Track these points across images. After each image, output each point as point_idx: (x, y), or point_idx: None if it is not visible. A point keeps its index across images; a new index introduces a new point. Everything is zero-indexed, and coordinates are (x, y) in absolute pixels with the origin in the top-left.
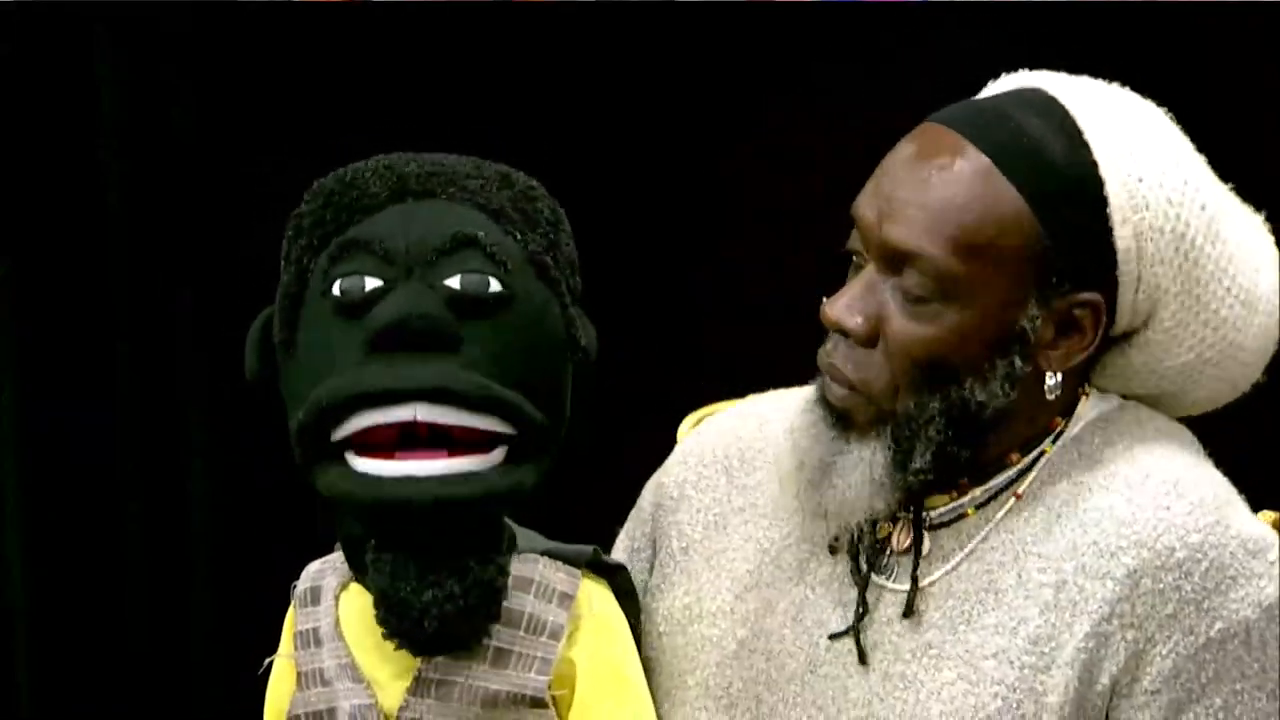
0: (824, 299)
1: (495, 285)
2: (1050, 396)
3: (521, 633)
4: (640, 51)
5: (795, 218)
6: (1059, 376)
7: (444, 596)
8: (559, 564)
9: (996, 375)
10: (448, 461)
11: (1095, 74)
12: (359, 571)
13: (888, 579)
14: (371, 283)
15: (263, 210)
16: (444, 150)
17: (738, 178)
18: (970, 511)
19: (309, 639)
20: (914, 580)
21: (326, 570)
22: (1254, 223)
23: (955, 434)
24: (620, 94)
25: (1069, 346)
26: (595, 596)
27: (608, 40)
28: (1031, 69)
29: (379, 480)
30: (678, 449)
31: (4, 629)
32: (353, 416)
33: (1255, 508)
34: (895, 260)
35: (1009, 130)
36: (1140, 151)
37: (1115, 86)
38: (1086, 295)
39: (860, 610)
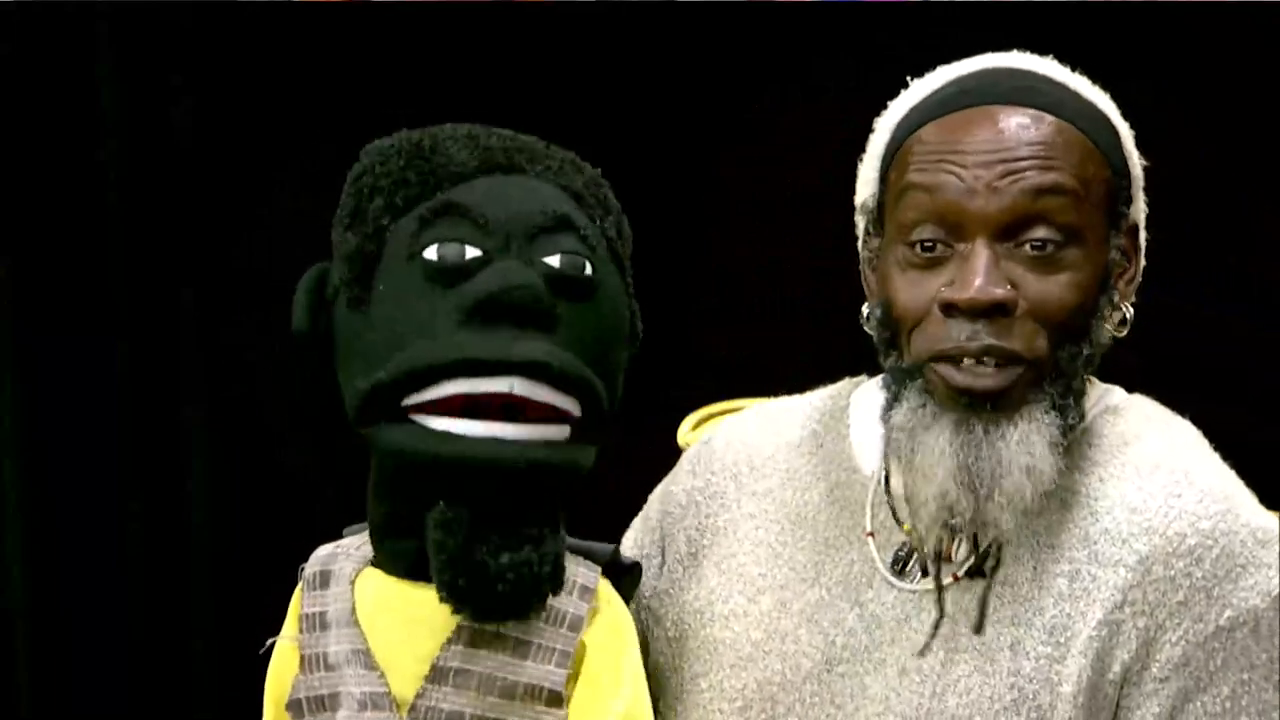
0: (942, 290)
1: (589, 269)
2: (1124, 332)
3: (544, 624)
4: (639, 51)
5: (795, 218)
6: (1130, 309)
7: (521, 561)
8: (579, 558)
9: (1103, 315)
10: (527, 428)
11: (1095, 74)
12: (390, 544)
13: (910, 582)
14: (471, 251)
15: (263, 210)
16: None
17: (737, 178)
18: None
19: (315, 623)
20: (986, 574)
21: (339, 555)
22: None
23: (1084, 380)
24: (620, 94)
25: (1125, 276)
26: (611, 594)
27: (607, 40)
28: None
29: (465, 439)
30: (685, 457)
31: (4, 629)
32: (443, 383)
33: None
34: (1020, 220)
35: (1038, 92)
36: (1096, 91)
37: (1026, 53)
38: (1132, 218)
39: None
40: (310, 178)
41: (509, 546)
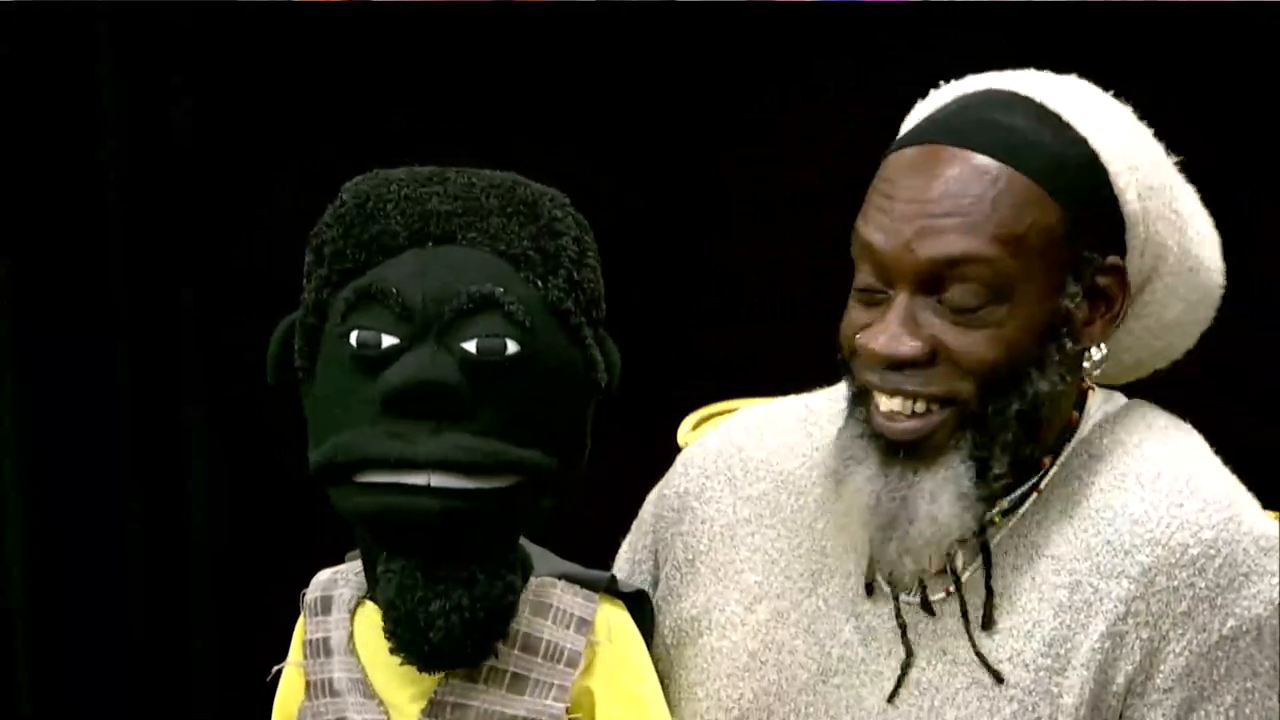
0: (856, 338)
1: (513, 347)
2: (1096, 373)
3: (539, 659)
4: (639, 51)
5: (794, 218)
6: (1104, 350)
7: (450, 607)
8: (576, 588)
9: (1052, 362)
10: (462, 480)
11: (1095, 74)
12: (374, 587)
13: (910, 595)
14: (388, 340)
15: (263, 210)
16: (444, 149)
17: (737, 178)
18: (996, 519)
19: (319, 649)
20: (989, 590)
21: (339, 581)
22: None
23: (1026, 432)
24: (620, 94)
25: (1102, 318)
26: (613, 621)
27: (606, 40)
28: (1031, 69)
29: (384, 494)
30: (678, 460)
31: (4, 629)
32: (366, 472)
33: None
34: (936, 278)
35: (998, 130)
36: (1110, 120)
37: (1048, 73)
38: (1110, 260)
39: (907, 657)
40: (310, 178)
41: (438, 594)
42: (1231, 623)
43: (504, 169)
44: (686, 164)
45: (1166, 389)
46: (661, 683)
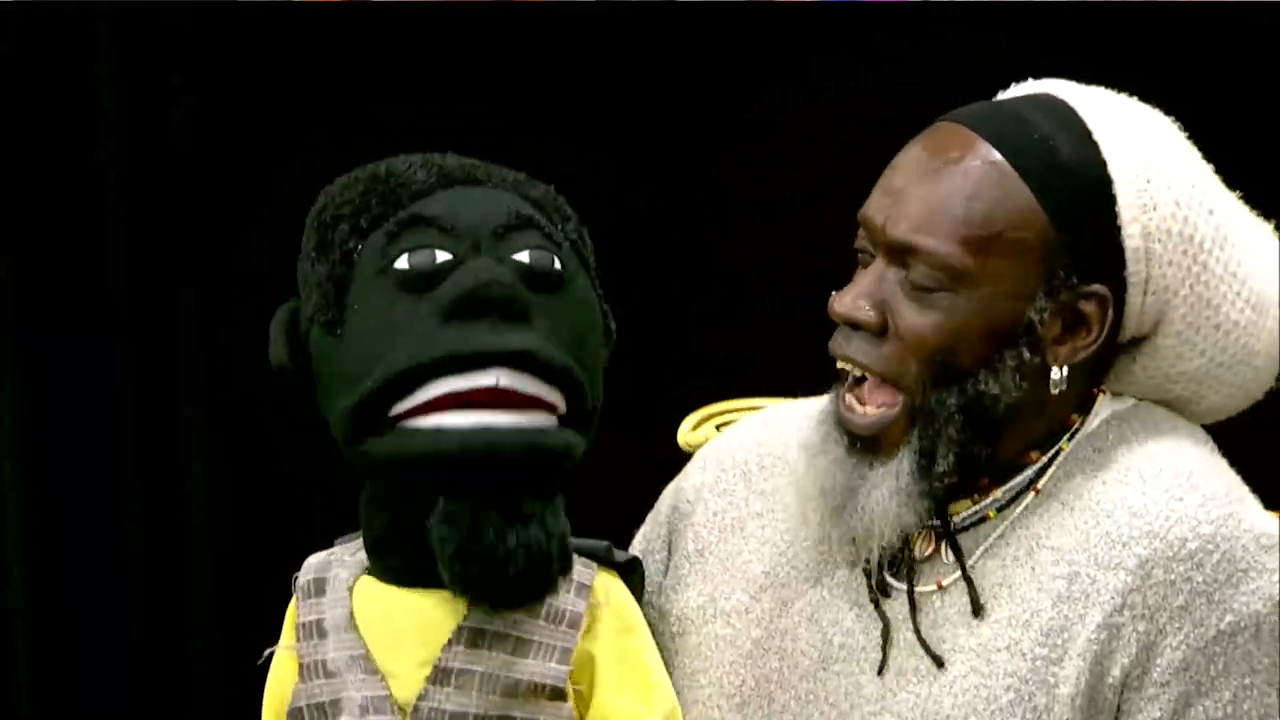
0: (833, 293)
1: (558, 263)
2: (1055, 391)
3: (542, 622)
4: (639, 51)
5: (794, 218)
6: (1064, 371)
7: (529, 540)
8: (575, 555)
9: (1006, 367)
10: (515, 416)
11: (1095, 74)
12: (391, 553)
13: (908, 583)
14: (441, 255)
15: (263, 210)
16: (444, 149)
17: (737, 178)
18: (992, 514)
19: (312, 630)
20: (969, 580)
21: (333, 563)
22: (1263, 230)
23: (974, 432)
24: (620, 94)
25: (1074, 341)
26: (611, 586)
27: (607, 40)
28: (1032, 69)
29: (458, 432)
30: (698, 454)
31: (4, 629)
32: (429, 384)
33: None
34: (901, 253)
35: (1019, 127)
36: (1148, 155)
37: (1125, 96)
38: (1093, 288)
39: (887, 624)
40: (310, 178)
41: (514, 529)
42: (1229, 618)
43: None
44: (686, 164)
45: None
46: (668, 670)
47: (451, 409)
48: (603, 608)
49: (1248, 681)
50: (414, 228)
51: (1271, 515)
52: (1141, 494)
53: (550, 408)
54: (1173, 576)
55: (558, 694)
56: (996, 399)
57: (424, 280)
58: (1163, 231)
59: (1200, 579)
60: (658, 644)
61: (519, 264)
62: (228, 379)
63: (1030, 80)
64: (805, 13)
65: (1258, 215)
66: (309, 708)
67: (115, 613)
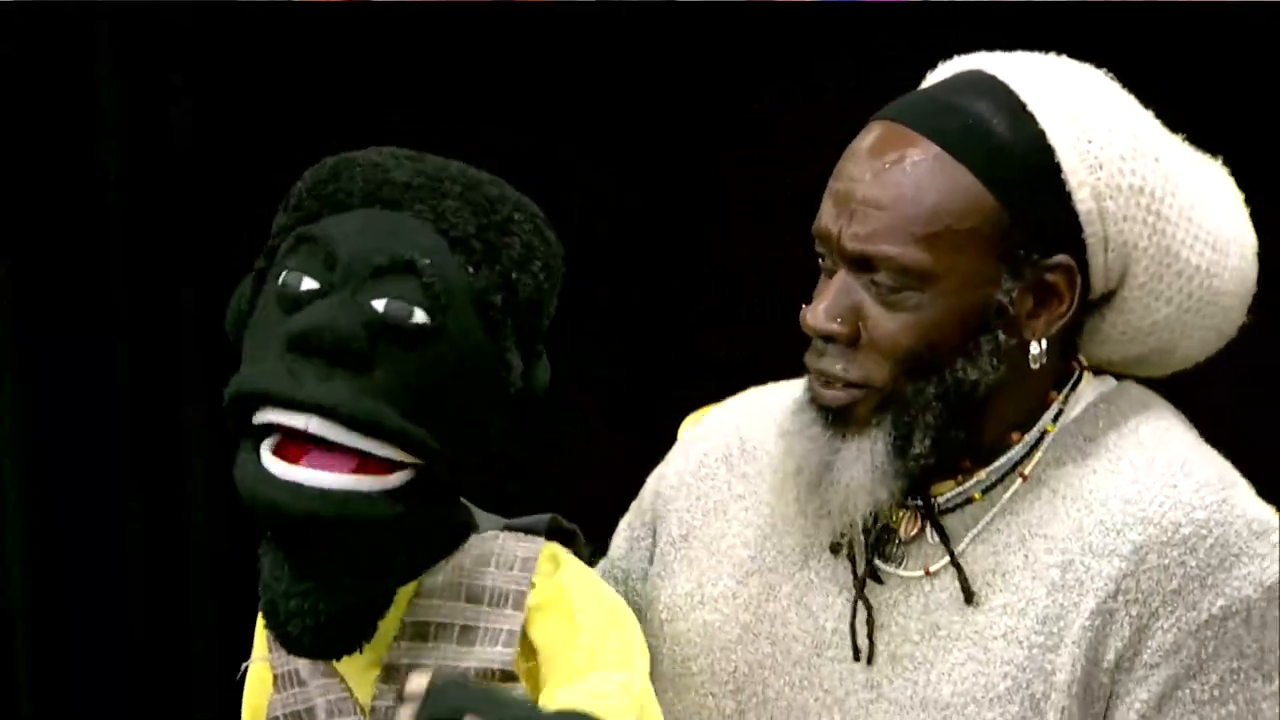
0: (803, 307)
1: (420, 317)
2: (1035, 365)
3: (485, 607)
4: (639, 51)
5: (795, 218)
6: (1044, 344)
7: (307, 608)
8: (519, 534)
9: (983, 352)
10: (338, 477)
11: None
12: None
13: (896, 567)
14: (309, 283)
15: (263, 210)
16: (444, 149)
17: (737, 178)
18: (977, 496)
19: None
20: (957, 565)
21: None
22: (1213, 169)
23: (951, 416)
24: (620, 94)
25: (1048, 313)
26: (559, 554)
27: (607, 40)
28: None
29: (266, 479)
30: (679, 441)
31: (4, 629)
32: (261, 410)
33: None
34: (861, 263)
35: (954, 116)
36: (1086, 114)
37: (1054, 57)
38: (1056, 259)
39: (856, 610)
40: None
41: (297, 593)
42: (1221, 602)
43: (504, 169)
44: (686, 164)
45: (1167, 388)
46: (656, 658)
47: (290, 446)
48: (546, 579)
49: (1236, 665)
50: (305, 247)
51: (1267, 507)
52: (1134, 482)
53: (387, 465)
54: (1166, 561)
55: (508, 676)
56: (976, 384)
57: (289, 303)
58: (1113, 189)
59: (1194, 563)
60: (646, 631)
61: (372, 312)
62: (228, 379)
63: (956, 58)
64: (805, 13)
65: (1256, 214)
66: (285, 716)
67: (115, 613)
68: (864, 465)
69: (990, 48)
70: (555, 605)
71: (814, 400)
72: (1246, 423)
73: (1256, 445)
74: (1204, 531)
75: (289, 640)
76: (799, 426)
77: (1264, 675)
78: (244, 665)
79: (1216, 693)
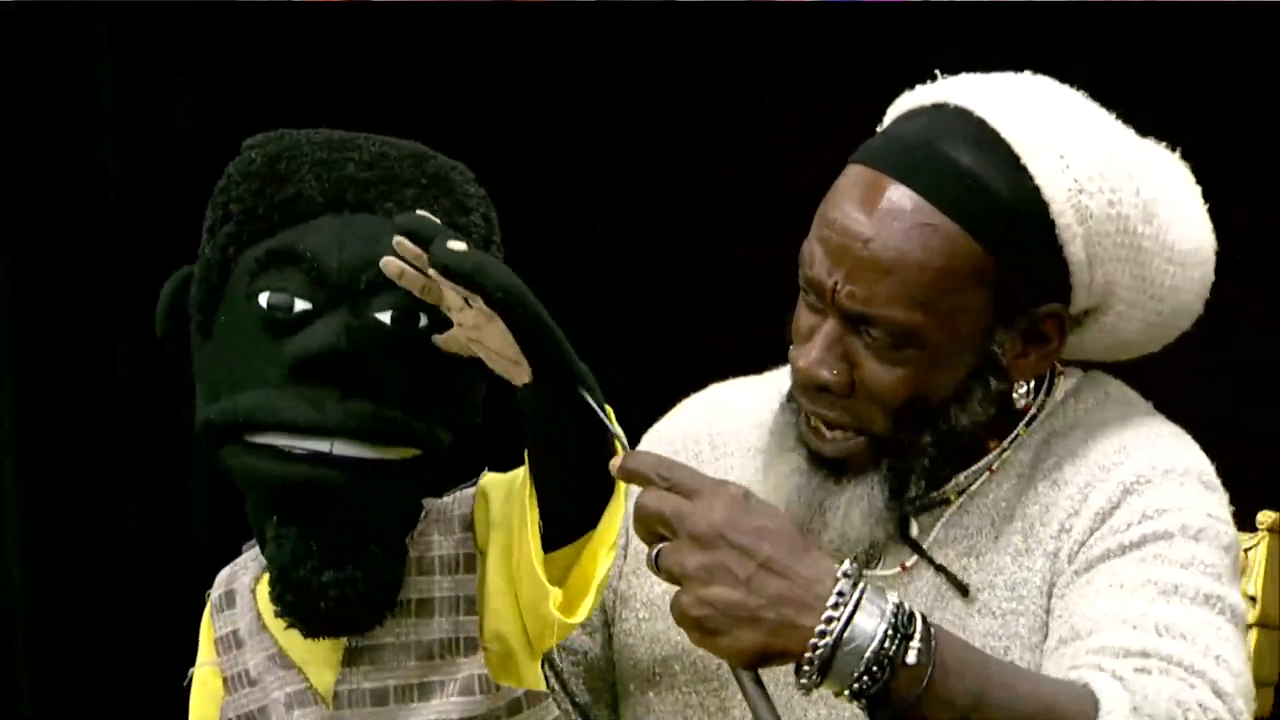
0: (793, 349)
1: (424, 320)
2: (1021, 404)
3: (438, 576)
4: (639, 51)
5: (795, 218)
6: (1031, 384)
7: (345, 579)
8: (454, 495)
9: (975, 398)
10: (355, 447)
11: (1095, 74)
12: (264, 546)
13: (873, 568)
14: (300, 304)
15: None
16: (443, 149)
17: (737, 178)
18: (953, 498)
19: (230, 642)
20: (939, 567)
21: (238, 572)
22: (1174, 168)
23: (944, 457)
24: (620, 94)
25: (1037, 355)
26: (487, 486)
27: (607, 40)
28: (1032, 69)
29: (284, 459)
30: (648, 434)
31: (4, 629)
32: (266, 433)
33: (1256, 508)
34: (856, 320)
35: (943, 167)
36: (1074, 157)
37: (1028, 80)
38: (1048, 308)
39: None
40: None
41: (331, 564)
42: (1152, 527)
43: (504, 169)
44: (686, 164)
45: (1167, 388)
46: (633, 657)
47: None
48: (482, 508)
49: (1157, 554)
50: (282, 265)
51: (1264, 517)
52: (1092, 448)
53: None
54: (1105, 502)
55: (471, 645)
56: (966, 427)
57: (280, 327)
58: (1100, 234)
59: (1134, 501)
60: (623, 629)
61: (379, 324)
62: None
63: (919, 88)
64: (805, 13)
65: (1258, 216)
66: (238, 718)
67: (115, 613)
68: (861, 511)
69: (990, 48)
70: (490, 514)
71: (807, 446)
72: (1247, 423)
73: (1257, 445)
74: (1148, 476)
75: (317, 618)
76: (780, 451)
77: (1180, 564)
78: (189, 672)
79: (1146, 566)
